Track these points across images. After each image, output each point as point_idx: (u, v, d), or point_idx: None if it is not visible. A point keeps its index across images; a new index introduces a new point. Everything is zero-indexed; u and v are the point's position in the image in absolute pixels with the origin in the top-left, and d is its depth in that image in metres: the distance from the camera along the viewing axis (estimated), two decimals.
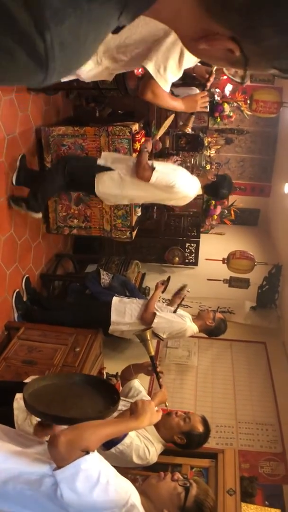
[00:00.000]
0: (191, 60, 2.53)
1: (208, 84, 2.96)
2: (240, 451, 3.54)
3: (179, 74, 2.57)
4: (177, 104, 2.91)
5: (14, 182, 3.97)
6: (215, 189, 4.01)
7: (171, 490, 1.76)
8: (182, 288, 4.38)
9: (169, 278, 4.32)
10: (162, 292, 4.24)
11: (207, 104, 3.08)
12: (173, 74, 2.54)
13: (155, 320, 3.95)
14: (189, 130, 3.31)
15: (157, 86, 2.59)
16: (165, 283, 4.20)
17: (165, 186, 3.66)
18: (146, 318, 3.97)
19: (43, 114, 4.61)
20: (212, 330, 4.20)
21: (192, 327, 4.05)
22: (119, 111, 5.58)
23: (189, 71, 3.04)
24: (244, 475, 3.25)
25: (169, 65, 2.48)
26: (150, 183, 3.64)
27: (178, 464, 2.96)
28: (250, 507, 2.97)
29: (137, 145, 4.34)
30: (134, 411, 1.86)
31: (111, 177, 3.79)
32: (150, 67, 2.49)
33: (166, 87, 2.61)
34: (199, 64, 3.03)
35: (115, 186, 3.79)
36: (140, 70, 4.30)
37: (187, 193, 3.82)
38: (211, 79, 2.95)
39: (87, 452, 1.52)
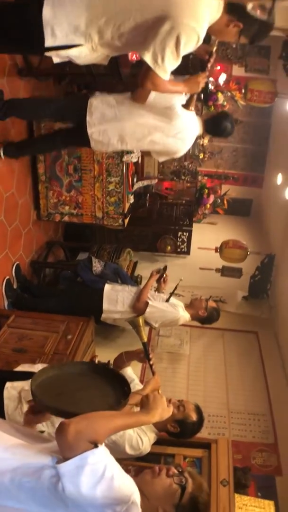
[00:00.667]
0: (190, 46, 2.48)
1: (209, 65, 2.91)
2: (233, 441, 3.50)
3: (178, 62, 2.53)
4: (179, 89, 2.90)
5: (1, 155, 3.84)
6: (217, 123, 3.61)
7: (166, 488, 1.71)
8: (163, 270, 4.26)
9: (165, 267, 4.26)
10: (157, 281, 4.18)
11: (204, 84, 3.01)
12: (171, 63, 2.52)
13: (148, 310, 3.91)
14: (192, 109, 3.24)
15: (156, 77, 2.58)
16: (161, 271, 4.14)
17: (164, 108, 3.30)
18: (139, 307, 3.93)
19: None
20: (204, 319, 4.17)
21: (184, 316, 4.02)
22: None
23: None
24: (237, 466, 3.22)
25: (167, 55, 2.46)
26: (149, 99, 3.27)
27: (171, 454, 2.92)
28: (244, 498, 2.94)
29: None
30: (145, 405, 1.81)
31: (106, 100, 3.37)
32: (148, 58, 2.48)
33: (166, 76, 2.58)
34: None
35: (109, 112, 3.33)
36: (134, 56, 4.24)
37: (186, 122, 3.40)
38: (211, 60, 2.89)
39: (95, 445, 1.47)
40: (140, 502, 1.55)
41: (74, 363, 2.41)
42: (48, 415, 1.93)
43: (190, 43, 2.46)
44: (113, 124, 3.29)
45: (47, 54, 2.66)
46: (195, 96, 3.18)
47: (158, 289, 4.25)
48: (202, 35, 2.47)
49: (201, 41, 2.50)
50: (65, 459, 1.45)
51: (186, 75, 3.29)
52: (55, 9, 2.46)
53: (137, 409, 1.95)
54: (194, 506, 1.71)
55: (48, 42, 2.54)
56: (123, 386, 1.89)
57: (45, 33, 2.51)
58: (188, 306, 4.14)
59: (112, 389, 1.87)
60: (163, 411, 1.80)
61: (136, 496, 1.51)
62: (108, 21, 2.49)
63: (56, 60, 2.73)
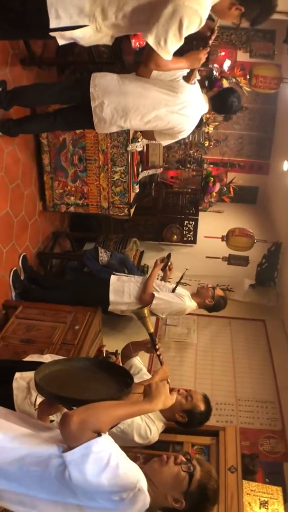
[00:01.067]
0: (193, 28, 2.50)
1: (210, 42, 2.90)
2: (240, 428, 3.52)
3: (181, 43, 2.56)
4: (181, 65, 2.89)
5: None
6: (224, 99, 3.55)
7: (174, 475, 1.73)
8: (167, 259, 4.24)
9: (169, 255, 4.24)
10: (162, 270, 4.18)
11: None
12: (174, 44, 2.55)
13: (154, 302, 3.91)
14: (192, 82, 3.22)
15: (159, 58, 2.61)
16: (165, 260, 4.13)
17: (169, 81, 3.23)
18: (145, 299, 3.93)
19: None
20: (211, 308, 4.17)
21: (191, 306, 4.02)
22: None
23: None
24: (245, 453, 3.24)
25: (169, 37, 2.49)
26: (153, 73, 3.19)
27: (179, 442, 2.94)
28: (252, 485, 2.96)
29: None
30: (148, 393, 1.81)
31: (110, 74, 3.31)
32: (151, 40, 2.52)
33: (168, 57, 2.61)
34: None
35: (112, 84, 3.25)
36: (137, 44, 4.21)
37: (192, 95, 3.31)
38: (213, 37, 2.88)
39: (99, 434, 1.49)
40: (149, 490, 1.57)
41: (77, 359, 2.42)
42: (61, 407, 1.94)
43: (193, 25, 2.49)
44: (116, 97, 3.20)
45: (52, 34, 2.68)
46: (196, 70, 3.17)
47: (164, 278, 4.25)
48: (205, 16, 2.50)
49: (203, 23, 2.53)
50: (70, 448, 1.48)
51: None
52: None
53: None
54: (202, 493, 1.72)
55: (53, 24, 2.58)
56: (126, 378, 1.91)
57: (50, 15, 2.55)
58: (195, 295, 4.13)
59: (115, 383, 1.89)
60: (166, 399, 1.80)
61: (142, 483, 1.53)
62: (112, 1, 2.53)
63: (61, 42, 2.75)
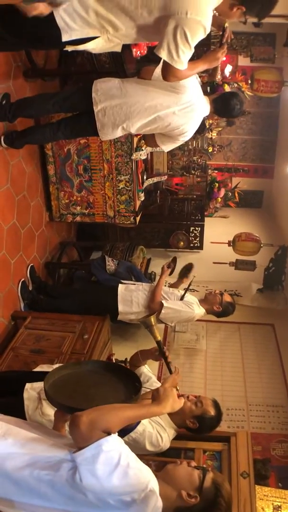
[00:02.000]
0: (198, 37, 2.57)
1: (224, 40, 2.97)
2: (252, 433, 3.51)
3: (192, 51, 2.63)
4: (200, 68, 2.98)
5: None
6: (226, 101, 3.57)
7: (188, 473, 1.77)
8: (188, 268, 4.27)
9: (174, 259, 4.26)
10: (170, 274, 4.19)
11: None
12: (186, 54, 2.62)
13: (163, 311, 3.92)
14: (219, 78, 3.28)
15: (176, 70, 2.69)
16: (171, 265, 4.14)
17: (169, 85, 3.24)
18: (154, 308, 3.94)
19: None
20: (220, 314, 4.17)
21: (200, 313, 4.03)
22: None
23: None
24: (257, 458, 3.24)
25: (180, 50, 2.57)
26: (155, 75, 3.25)
27: (191, 448, 2.94)
28: (264, 490, 2.95)
29: None
30: (156, 397, 1.87)
31: (111, 79, 3.39)
32: (164, 55, 2.60)
33: (184, 67, 2.69)
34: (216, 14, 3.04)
35: (115, 88, 3.32)
36: (138, 53, 4.24)
37: (193, 96, 3.33)
38: (226, 34, 2.97)
39: (108, 434, 1.51)
40: (161, 490, 1.59)
41: (85, 362, 2.44)
42: None
43: (198, 35, 2.55)
44: (118, 101, 3.27)
45: (66, 49, 2.75)
46: (218, 67, 3.22)
47: (173, 285, 4.26)
48: (208, 24, 2.55)
49: (208, 30, 2.57)
50: (80, 449, 1.49)
51: None
52: (63, 3, 2.53)
53: None
54: (216, 490, 1.74)
55: (65, 37, 2.63)
56: (134, 382, 1.93)
57: (60, 28, 2.59)
58: (203, 301, 4.14)
59: (123, 386, 1.92)
60: (174, 402, 1.85)
61: (153, 484, 1.55)
62: (119, 14, 2.57)
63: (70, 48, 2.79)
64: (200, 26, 2.50)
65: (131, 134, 3.47)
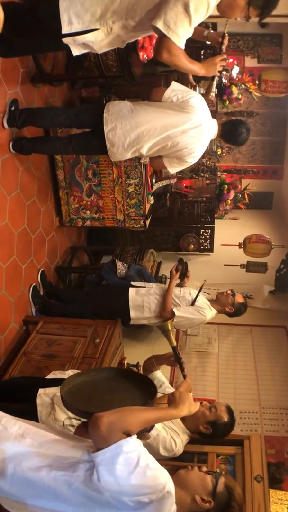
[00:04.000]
0: (201, 12, 2.51)
1: (224, 47, 2.96)
2: (266, 437, 3.49)
3: (191, 28, 2.56)
4: (197, 68, 2.88)
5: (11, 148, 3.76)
6: (234, 127, 3.66)
7: (201, 478, 1.80)
8: (179, 265, 4.23)
9: (181, 260, 4.25)
10: (181, 278, 4.17)
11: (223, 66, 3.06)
12: (184, 28, 2.53)
13: (175, 320, 3.90)
14: (213, 95, 3.27)
15: (172, 44, 2.57)
16: (179, 268, 4.13)
17: (180, 102, 3.30)
18: (166, 316, 3.92)
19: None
20: (232, 314, 4.15)
21: (211, 315, 4.01)
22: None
23: (203, 39, 3.08)
24: (271, 461, 3.22)
25: (179, 19, 2.48)
26: (165, 96, 3.31)
27: (204, 452, 2.93)
28: (279, 493, 2.93)
29: None
30: (172, 401, 1.91)
31: (123, 101, 3.48)
32: (160, 24, 2.50)
33: (180, 43, 2.58)
34: (212, 31, 3.09)
35: (125, 109, 3.35)
36: (145, 56, 4.25)
37: (203, 116, 3.36)
38: (225, 41, 2.95)
39: (128, 435, 1.52)
40: (175, 495, 1.59)
41: (100, 369, 2.45)
42: None
43: (201, 9, 2.49)
44: (129, 121, 3.27)
45: (64, 40, 2.74)
46: (214, 81, 3.21)
47: (180, 285, 4.22)
48: (212, 3, 2.52)
49: (211, 9, 2.53)
50: (99, 450, 1.50)
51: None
52: None
53: None
54: (229, 494, 1.78)
55: (65, 30, 2.65)
56: (149, 387, 1.93)
57: (62, 21, 2.62)
58: (215, 302, 4.11)
59: (139, 391, 1.92)
60: (190, 406, 1.89)
61: (170, 485, 1.56)
62: (122, 2, 2.59)
63: (75, 52, 2.82)
64: (205, 1, 2.46)
65: (143, 155, 3.45)
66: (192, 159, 3.51)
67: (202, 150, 3.51)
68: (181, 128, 3.28)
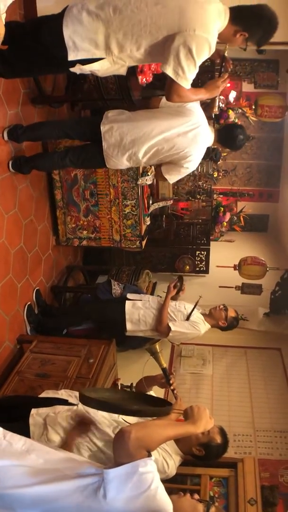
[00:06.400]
0: (204, 55, 2.65)
1: (224, 69, 3.08)
2: (259, 459, 3.48)
3: (196, 69, 2.69)
4: (201, 96, 3.04)
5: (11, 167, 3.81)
6: (230, 132, 3.75)
7: (193, 505, 1.77)
8: (178, 282, 4.28)
9: (180, 278, 4.28)
10: (177, 293, 4.20)
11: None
12: (191, 71, 2.69)
13: (170, 334, 3.94)
14: (215, 111, 3.38)
15: (181, 88, 2.74)
16: (177, 285, 4.16)
17: (177, 107, 3.42)
18: (161, 331, 3.97)
19: None
20: (224, 329, 4.19)
21: (205, 329, 4.05)
22: None
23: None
24: (264, 484, 3.19)
25: (186, 66, 2.63)
26: (161, 103, 3.48)
27: (197, 474, 2.91)
28: None
29: None
30: (190, 416, 1.94)
31: (120, 110, 3.57)
32: (170, 71, 2.66)
33: (188, 85, 2.74)
34: None
35: (124, 117, 3.49)
36: (144, 80, 4.32)
37: (199, 119, 3.45)
38: (228, 65, 3.10)
39: (149, 453, 1.52)
40: None
41: (115, 391, 2.54)
42: (89, 427, 2.13)
43: (203, 52, 2.63)
44: (125, 124, 3.41)
45: (72, 70, 2.82)
46: (216, 99, 3.31)
47: (174, 298, 4.24)
48: (213, 43, 2.65)
49: (213, 49, 2.67)
50: (117, 465, 1.49)
51: None
52: (74, 26, 2.65)
53: None
54: None
55: (71, 56, 2.71)
56: (163, 403, 1.99)
57: (67, 47, 2.68)
58: (208, 316, 4.15)
59: (153, 405, 1.98)
60: (206, 423, 1.93)
61: None
62: (126, 34, 2.66)
63: (77, 71, 2.87)
64: (206, 43, 2.60)
65: (139, 160, 3.50)
66: (189, 164, 3.56)
67: (198, 155, 3.57)
68: (177, 130, 3.39)
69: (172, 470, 2.59)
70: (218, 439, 2.68)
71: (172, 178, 3.70)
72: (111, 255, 6.03)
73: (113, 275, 5.25)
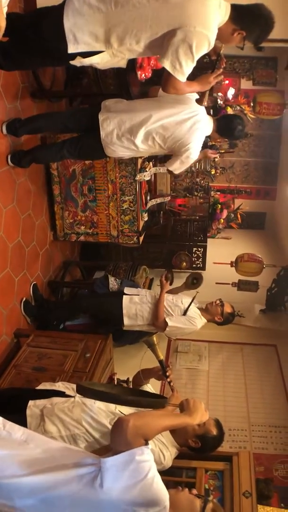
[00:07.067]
0: (203, 50, 2.71)
1: (218, 65, 3.11)
2: (254, 454, 3.48)
3: (194, 64, 2.75)
4: (194, 89, 3.11)
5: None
6: (229, 121, 3.77)
7: (190, 500, 1.79)
8: (196, 278, 4.33)
9: (170, 270, 4.31)
10: (170, 284, 4.22)
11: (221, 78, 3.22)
12: (189, 66, 2.75)
13: (167, 329, 3.95)
14: (205, 104, 3.41)
15: (177, 81, 2.81)
16: (168, 276, 4.19)
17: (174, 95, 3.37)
18: (158, 326, 3.97)
19: None
20: (220, 323, 4.21)
21: (202, 324, 4.06)
22: None
23: None
24: (259, 478, 3.21)
25: (183, 60, 2.69)
26: (160, 92, 3.47)
27: (192, 467, 2.92)
28: (267, 509, 2.93)
29: None
30: (186, 408, 1.99)
31: (118, 99, 3.60)
32: (167, 65, 2.72)
33: (184, 79, 2.81)
34: None
35: (121, 104, 3.53)
36: (143, 75, 4.33)
37: (197, 108, 3.48)
38: (222, 64, 3.12)
39: (146, 443, 1.54)
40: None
41: (111, 386, 2.57)
42: None
43: (202, 48, 2.69)
44: (124, 111, 3.45)
45: (72, 63, 2.85)
46: (207, 93, 3.36)
47: (172, 291, 4.26)
48: (213, 39, 2.70)
49: (212, 45, 2.72)
50: (114, 453, 1.52)
51: None
52: (75, 18, 2.67)
53: None
54: None
55: (71, 49, 2.74)
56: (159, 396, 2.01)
57: (68, 40, 2.71)
58: (204, 311, 4.15)
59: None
60: (202, 415, 1.99)
61: (167, 505, 1.57)
62: (126, 28, 2.69)
63: (76, 64, 2.89)
64: (206, 40, 2.64)
65: (137, 148, 3.50)
66: (188, 152, 3.55)
67: (197, 143, 3.56)
68: (176, 118, 3.43)
69: (168, 461, 2.60)
70: (214, 431, 2.70)
71: (176, 168, 3.69)
72: (108, 251, 6.04)
73: (110, 271, 5.27)
